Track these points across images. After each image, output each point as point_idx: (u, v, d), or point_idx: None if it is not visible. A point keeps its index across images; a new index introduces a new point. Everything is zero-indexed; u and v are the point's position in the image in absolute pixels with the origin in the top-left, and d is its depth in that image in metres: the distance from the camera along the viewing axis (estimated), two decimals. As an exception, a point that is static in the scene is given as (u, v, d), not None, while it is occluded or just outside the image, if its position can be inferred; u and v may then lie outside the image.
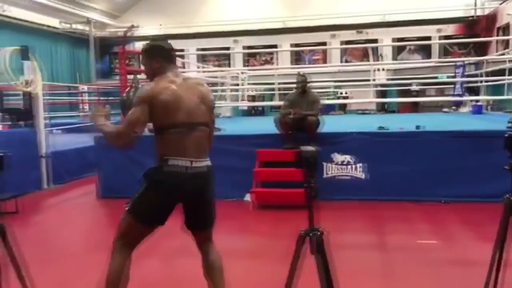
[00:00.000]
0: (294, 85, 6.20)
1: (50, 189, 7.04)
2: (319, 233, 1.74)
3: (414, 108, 16.30)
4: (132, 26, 6.90)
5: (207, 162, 2.45)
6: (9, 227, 2.19)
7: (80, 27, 20.31)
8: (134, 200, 2.34)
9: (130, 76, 6.83)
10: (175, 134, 2.32)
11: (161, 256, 3.94)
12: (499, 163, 5.48)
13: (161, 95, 2.30)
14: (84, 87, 16.67)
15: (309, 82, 5.96)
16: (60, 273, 3.54)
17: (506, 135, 2.14)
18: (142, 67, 2.61)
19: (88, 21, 19.86)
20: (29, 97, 7.00)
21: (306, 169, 1.69)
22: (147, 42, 2.63)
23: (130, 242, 2.38)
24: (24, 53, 6.85)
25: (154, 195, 2.33)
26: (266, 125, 6.91)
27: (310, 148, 1.70)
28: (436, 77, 15.41)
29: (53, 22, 18.83)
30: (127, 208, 2.35)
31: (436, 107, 14.32)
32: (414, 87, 15.22)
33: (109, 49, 21.14)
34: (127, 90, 5.95)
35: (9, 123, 7.15)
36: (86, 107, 15.81)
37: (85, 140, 8.24)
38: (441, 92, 15.33)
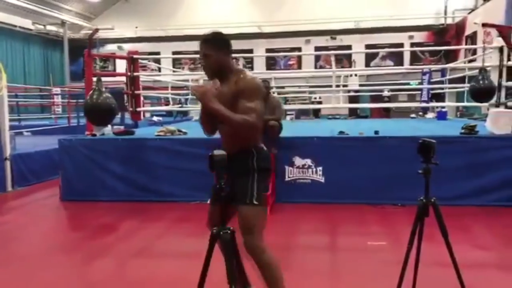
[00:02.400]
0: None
1: (14, 191, 6.99)
2: (229, 232, 1.83)
3: (386, 113, 16.60)
4: (96, 30, 6.91)
5: None
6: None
7: (54, 28, 20.09)
8: (255, 191, 2.34)
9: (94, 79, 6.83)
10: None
11: (117, 257, 3.99)
12: (452, 166, 5.68)
13: None
14: (57, 89, 16.50)
15: (271, 88, 6.08)
16: (16, 275, 3.56)
17: (420, 141, 2.26)
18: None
19: (62, 23, 19.68)
20: (-7, 99, 6.95)
21: (217, 172, 1.79)
22: (215, 31, 2.42)
23: (262, 231, 2.39)
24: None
25: (267, 178, 2.50)
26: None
27: (221, 152, 1.79)
28: (408, 83, 15.74)
29: (26, 23, 18.62)
30: (251, 203, 2.32)
31: (406, 113, 14.64)
32: (385, 93, 15.54)
33: (83, 51, 20.96)
34: (90, 93, 5.98)
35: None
36: (59, 109, 15.64)
37: (53, 142, 8.17)
38: (412, 98, 15.67)
